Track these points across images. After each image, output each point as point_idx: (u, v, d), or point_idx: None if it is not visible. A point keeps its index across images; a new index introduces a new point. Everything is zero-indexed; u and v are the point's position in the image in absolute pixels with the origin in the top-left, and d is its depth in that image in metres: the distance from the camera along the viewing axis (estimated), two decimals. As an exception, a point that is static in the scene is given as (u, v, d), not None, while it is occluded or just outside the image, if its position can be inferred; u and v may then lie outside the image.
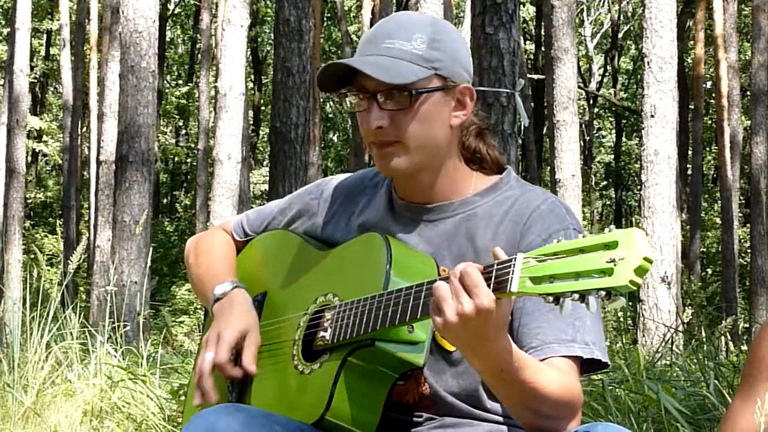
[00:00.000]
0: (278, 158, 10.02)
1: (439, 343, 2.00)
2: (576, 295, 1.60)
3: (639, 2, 28.07)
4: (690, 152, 23.79)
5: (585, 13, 31.73)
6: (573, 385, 1.90)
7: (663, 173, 11.55)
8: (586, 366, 1.96)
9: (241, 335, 2.09)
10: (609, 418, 3.92)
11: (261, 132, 33.25)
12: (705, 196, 28.63)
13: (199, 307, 24.75)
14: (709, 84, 26.86)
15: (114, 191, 10.89)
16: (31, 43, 20.62)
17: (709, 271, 28.06)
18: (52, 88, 35.64)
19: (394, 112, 1.99)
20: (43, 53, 33.99)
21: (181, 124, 36.04)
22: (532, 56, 31.12)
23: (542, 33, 21.49)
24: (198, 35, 29.11)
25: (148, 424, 4.86)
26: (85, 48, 24.49)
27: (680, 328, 6.84)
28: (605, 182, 36.03)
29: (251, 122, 29.09)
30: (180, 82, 35.90)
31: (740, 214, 25.30)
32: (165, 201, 36.61)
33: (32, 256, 16.41)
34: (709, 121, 28.02)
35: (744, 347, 7.03)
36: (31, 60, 25.38)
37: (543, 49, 21.10)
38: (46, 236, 29.10)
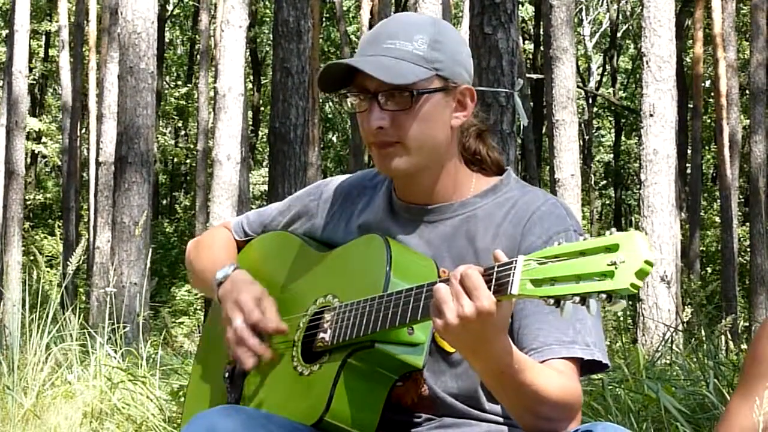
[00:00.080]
0: (277, 159, 10.02)
1: (439, 345, 2.00)
2: (577, 298, 1.60)
3: (638, 1, 28.11)
4: (689, 151, 23.78)
5: (584, 13, 31.75)
6: (573, 386, 1.90)
7: (662, 172, 11.56)
8: (587, 367, 1.96)
9: (257, 299, 2.09)
10: (609, 418, 3.92)
11: (260, 133, 33.23)
12: (704, 195, 28.63)
13: (198, 308, 24.73)
14: (708, 83, 26.84)
15: (113, 192, 10.87)
16: (29, 45, 20.58)
17: (709, 270, 28.06)
18: (51, 90, 35.62)
19: (395, 112, 1.99)
20: (42, 54, 33.94)
21: (180, 125, 36.02)
22: (530, 56, 31.13)
23: (541, 32, 21.53)
24: (197, 36, 29.14)
25: (147, 426, 4.85)
26: (84, 49, 24.47)
27: (680, 327, 6.84)
28: (604, 182, 36.01)
29: (250, 123, 29.08)
30: (179, 83, 35.87)
31: (739, 213, 25.31)
32: (164, 202, 36.58)
33: (32, 257, 16.44)
34: (708, 120, 28.01)
35: (744, 346, 7.03)
36: (30, 61, 25.36)
37: (542, 48, 21.11)
38: (45, 238, 29.09)
